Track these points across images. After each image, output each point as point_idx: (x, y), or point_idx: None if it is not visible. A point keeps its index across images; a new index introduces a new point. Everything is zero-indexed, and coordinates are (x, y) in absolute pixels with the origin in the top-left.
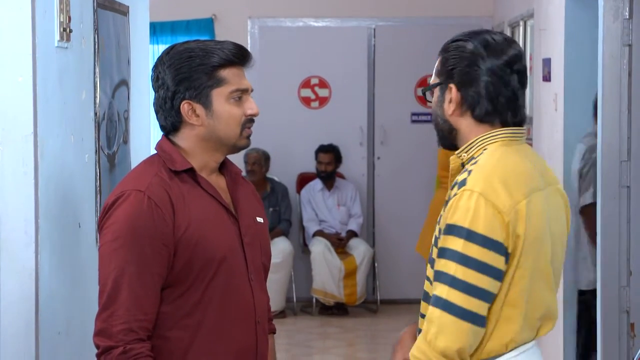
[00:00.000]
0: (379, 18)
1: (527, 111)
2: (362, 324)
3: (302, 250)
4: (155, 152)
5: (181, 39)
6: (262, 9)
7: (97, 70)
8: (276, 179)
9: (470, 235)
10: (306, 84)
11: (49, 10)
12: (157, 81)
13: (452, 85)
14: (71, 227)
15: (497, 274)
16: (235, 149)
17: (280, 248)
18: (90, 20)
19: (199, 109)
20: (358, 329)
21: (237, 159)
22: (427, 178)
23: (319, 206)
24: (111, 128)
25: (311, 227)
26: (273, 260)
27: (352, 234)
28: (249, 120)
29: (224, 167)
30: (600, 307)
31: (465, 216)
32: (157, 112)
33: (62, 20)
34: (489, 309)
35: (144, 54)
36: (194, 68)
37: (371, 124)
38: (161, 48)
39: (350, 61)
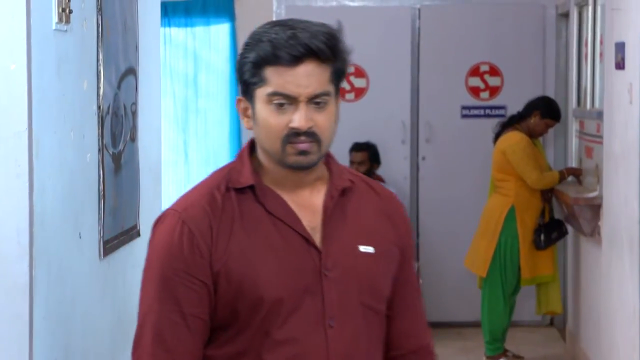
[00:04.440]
0: None
1: (597, 104)
2: None
3: None
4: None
5: (197, 20)
6: None
7: (100, 56)
8: None
9: None
10: None
11: None
12: None
13: None
14: (71, 237)
15: None
16: (288, 168)
17: None
18: None
19: (250, 110)
20: None
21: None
22: (479, 181)
23: None
24: (117, 123)
25: None
26: None
27: None
28: (294, 134)
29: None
30: None
31: None
32: None
33: None
34: None
35: (155, 38)
36: (244, 58)
37: (415, 119)
38: (174, 31)
39: (391, 47)
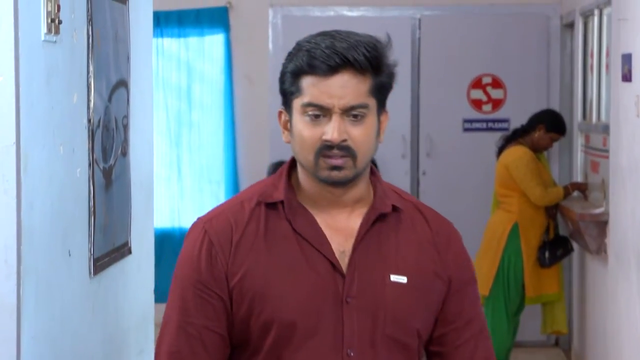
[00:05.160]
0: (425, 6)
1: (603, 117)
2: None
3: None
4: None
5: (190, 30)
6: None
7: (91, 68)
8: None
9: None
10: None
11: None
12: None
13: None
14: (60, 255)
15: None
16: (322, 182)
17: None
18: (83, 9)
19: (290, 122)
20: None
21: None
22: (481, 197)
23: None
24: (107, 137)
25: None
26: None
27: None
28: (326, 147)
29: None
30: None
31: None
32: None
33: (49, 9)
34: None
35: (147, 49)
36: (285, 68)
37: (415, 132)
38: (167, 42)
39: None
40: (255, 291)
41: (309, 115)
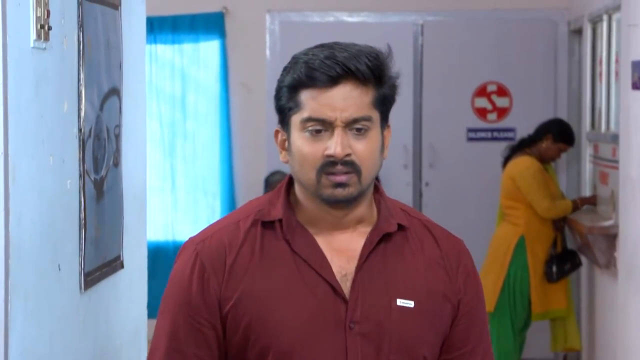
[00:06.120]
0: (427, 12)
1: (613, 126)
2: None
3: None
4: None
5: (185, 36)
6: (284, 0)
7: (81, 76)
8: None
9: None
10: None
11: (24, 3)
12: None
13: None
14: (49, 270)
15: None
16: (325, 202)
17: None
18: (74, 15)
19: (287, 140)
20: None
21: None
22: (486, 209)
23: None
24: (99, 147)
25: None
26: None
27: None
28: (329, 163)
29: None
30: None
31: None
32: None
33: (39, 15)
34: None
35: (140, 56)
36: (281, 82)
37: (418, 142)
38: (160, 48)
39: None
40: (250, 317)
41: (309, 131)
